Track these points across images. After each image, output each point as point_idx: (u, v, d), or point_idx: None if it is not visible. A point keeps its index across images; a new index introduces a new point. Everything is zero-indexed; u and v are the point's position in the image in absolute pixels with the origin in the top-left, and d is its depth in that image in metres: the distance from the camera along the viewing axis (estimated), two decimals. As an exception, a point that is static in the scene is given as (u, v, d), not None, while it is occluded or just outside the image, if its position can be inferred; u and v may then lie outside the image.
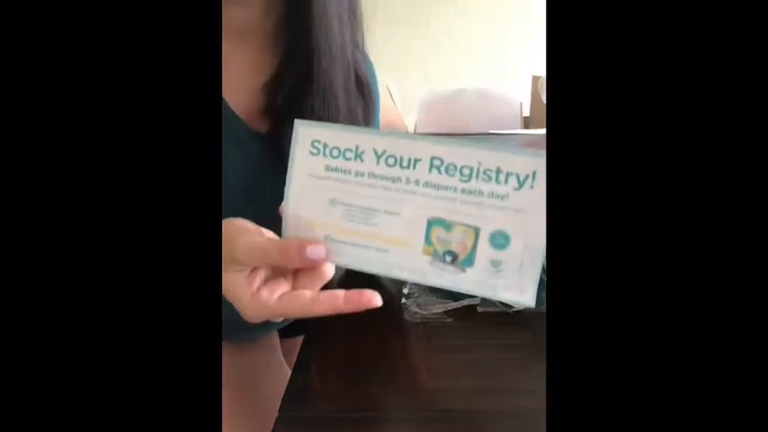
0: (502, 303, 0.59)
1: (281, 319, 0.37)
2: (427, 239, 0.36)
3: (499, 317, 0.59)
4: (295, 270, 0.38)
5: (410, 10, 1.97)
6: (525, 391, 0.46)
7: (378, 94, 0.65)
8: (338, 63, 0.53)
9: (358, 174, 0.36)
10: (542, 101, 0.95)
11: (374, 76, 0.66)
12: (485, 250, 0.35)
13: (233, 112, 0.53)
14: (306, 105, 0.53)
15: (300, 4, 0.50)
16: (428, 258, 0.37)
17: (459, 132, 0.90)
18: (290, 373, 0.51)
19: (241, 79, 0.55)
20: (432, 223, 0.36)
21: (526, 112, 1.00)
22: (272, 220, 0.49)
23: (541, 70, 0.86)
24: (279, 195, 0.47)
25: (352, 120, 0.56)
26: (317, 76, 0.52)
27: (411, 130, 1.00)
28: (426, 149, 0.35)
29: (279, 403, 0.46)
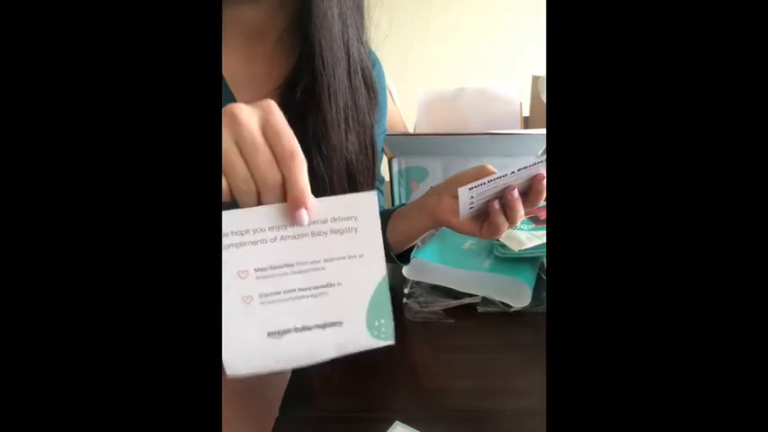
0: (503, 303, 0.60)
1: None
2: None
3: (499, 317, 0.59)
4: None
5: (410, 10, 1.97)
6: (525, 391, 0.46)
7: (385, 93, 0.65)
8: (342, 60, 0.53)
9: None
10: (542, 101, 0.95)
11: (381, 75, 0.66)
12: None
13: None
14: (313, 104, 0.53)
15: (304, 2, 0.50)
16: None
17: (459, 132, 0.90)
18: (290, 373, 0.51)
19: (256, 80, 0.55)
20: None
21: (526, 112, 1.00)
22: None
23: (541, 70, 0.86)
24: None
25: (359, 117, 0.56)
26: (322, 75, 0.53)
27: (411, 129, 1.00)
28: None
29: (279, 403, 0.46)
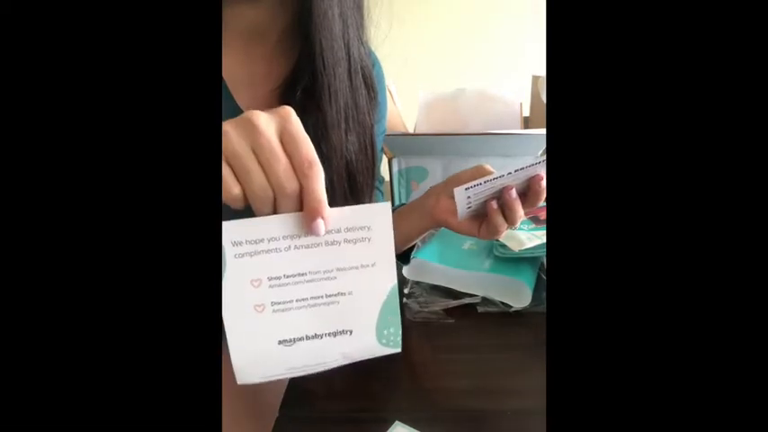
0: (503, 303, 0.60)
1: None
2: None
3: (499, 317, 0.59)
4: None
5: (410, 10, 1.97)
6: (525, 391, 0.46)
7: (385, 93, 0.65)
8: (342, 60, 0.53)
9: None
10: (542, 101, 0.95)
11: (381, 75, 0.65)
12: None
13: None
14: (313, 104, 0.53)
15: (305, 2, 0.50)
16: None
17: (459, 132, 0.90)
18: (290, 373, 0.51)
19: (255, 81, 0.55)
20: None
21: (526, 112, 1.00)
22: None
23: (541, 70, 0.86)
24: None
25: (359, 117, 0.56)
26: (323, 75, 0.53)
27: (411, 129, 1.00)
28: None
29: (279, 403, 0.46)
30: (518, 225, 0.51)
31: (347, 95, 0.55)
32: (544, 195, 0.48)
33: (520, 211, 0.48)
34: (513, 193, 0.47)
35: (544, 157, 0.46)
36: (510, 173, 0.45)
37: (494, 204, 0.48)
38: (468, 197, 0.48)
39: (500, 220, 0.49)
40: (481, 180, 0.46)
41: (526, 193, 0.48)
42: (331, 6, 0.50)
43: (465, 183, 0.46)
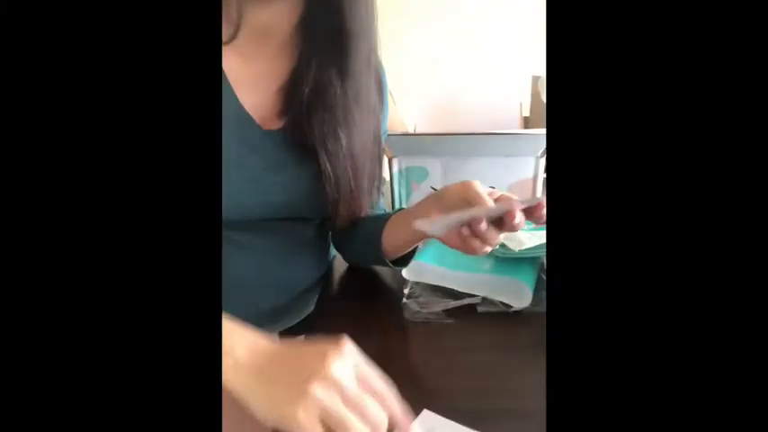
0: (502, 303, 0.60)
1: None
2: None
3: (499, 317, 0.59)
4: None
5: (410, 11, 1.97)
6: (525, 391, 0.46)
7: (387, 95, 0.66)
8: (370, 63, 0.55)
9: None
10: (542, 101, 0.95)
11: (384, 76, 0.66)
12: None
13: (247, 114, 0.54)
14: (319, 102, 0.54)
15: (334, 6, 0.51)
16: None
17: (459, 132, 0.90)
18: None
19: (259, 81, 0.55)
20: None
21: (526, 112, 1.00)
22: (283, 208, 0.55)
23: (541, 70, 0.86)
24: (291, 185, 0.51)
25: (366, 115, 0.57)
26: (353, 76, 0.54)
27: (411, 130, 1.00)
28: None
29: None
30: (497, 244, 0.50)
31: (360, 93, 0.55)
32: (518, 228, 0.46)
33: (494, 240, 0.48)
34: (483, 225, 0.46)
35: (518, 198, 0.46)
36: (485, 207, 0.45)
37: (465, 231, 0.47)
38: (434, 229, 0.48)
39: (477, 243, 0.48)
40: (444, 218, 0.46)
41: (499, 223, 0.47)
42: (368, 12, 0.52)
43: (450, 199, 0.47)
